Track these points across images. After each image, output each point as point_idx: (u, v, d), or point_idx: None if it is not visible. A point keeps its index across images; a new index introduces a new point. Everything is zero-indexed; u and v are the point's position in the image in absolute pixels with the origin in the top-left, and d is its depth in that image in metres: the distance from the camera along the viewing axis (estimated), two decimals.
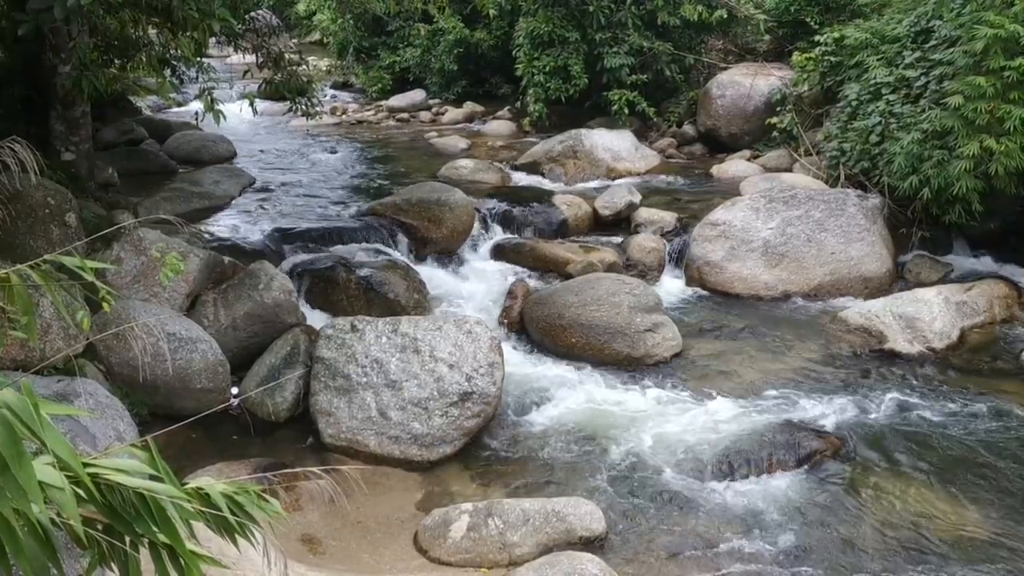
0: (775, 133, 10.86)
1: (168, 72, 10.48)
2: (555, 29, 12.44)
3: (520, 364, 6.34)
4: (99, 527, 1.68)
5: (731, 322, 7.04)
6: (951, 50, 7.71)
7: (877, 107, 8.49)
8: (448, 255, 8.05)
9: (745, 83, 11.46)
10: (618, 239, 8.39)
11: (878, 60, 8.96)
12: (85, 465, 1.60)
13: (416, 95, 15.60)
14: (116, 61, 9.10)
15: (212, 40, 7.42)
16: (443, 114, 14.92)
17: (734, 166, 10.67)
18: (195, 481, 1.79)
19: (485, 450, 5.30)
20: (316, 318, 6.52)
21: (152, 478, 1.70)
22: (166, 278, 2.94)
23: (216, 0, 5.91)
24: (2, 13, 7.26)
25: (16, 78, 7.69)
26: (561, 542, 4.28)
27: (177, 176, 9.94)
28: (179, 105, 14.29)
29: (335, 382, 5.39)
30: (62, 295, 4.90)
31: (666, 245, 8.18)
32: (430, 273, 7.62)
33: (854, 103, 8.99)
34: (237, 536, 1.80)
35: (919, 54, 8.43)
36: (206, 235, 7.68)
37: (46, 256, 1.98)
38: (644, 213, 8.82)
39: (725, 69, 12.32)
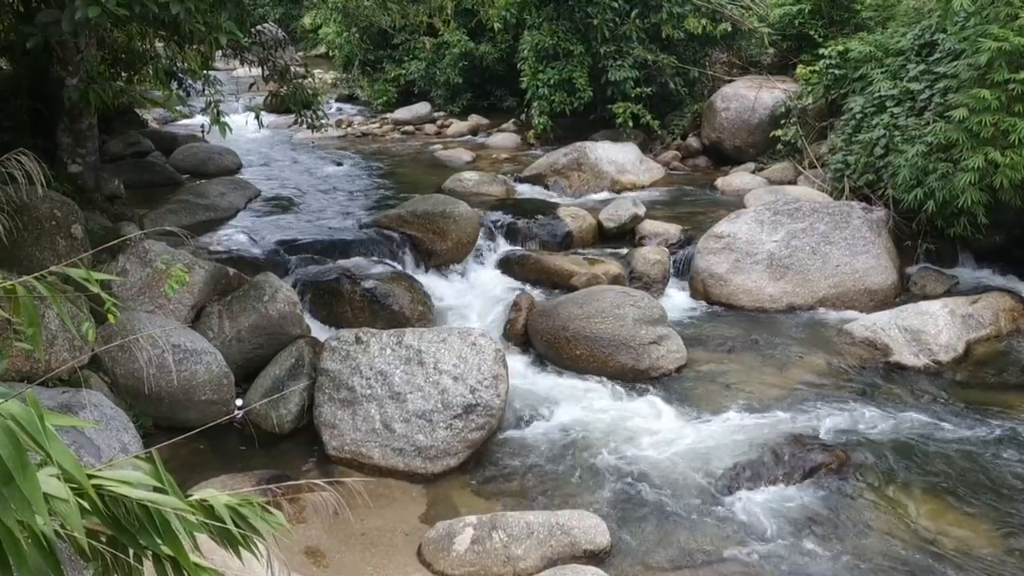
0: (779, 146, 10.87)
1: (175, 85, 10.56)
2: (559, 42, 12.49)
3: (524, 376, 6.33)
4: (103, 539, 1.68)
5: (736, 334, 7.02)
6: (955, 63, 7.72)
7: (881, 120, 8.50)
8: (453, 267, 8.06)
9: (749, 96, 11.49)
10: (623, 251, 8.39)
11: (882, 73, 8.98)
12: (89, 477, 1.60)
13: (421, 108, 15.67)
14: (123, 74, 9.18)
15: (218, 53, 7.47)
16: (448, 127, 14.97)
17: (738, 178, 10.68)
18: (199, 493, 1.79)
19: (489, 462, 5.29)
20: (321, 330, 6.53)
21: (156, 490, 1.70)
22: (171, 290, 2.95)
23: (223, 14, 5.95)
24: (11, 26, 7.32)
25: (24, 91, 7.76)
26: (565, 555, 4.26)
27: (183, 188, 9.98)
28: (185, 117, 14.38)
29: (339, 394, 5.39)
30: (67, 306, 4.92)
31: (670, 257, 8.17)
32: (434, 285, 7.62)
33: (858, 116, 9.00)
34: (241, 548, 1.80)
35: (923, 67, 8.44)
36: (211, 247, 7.70)
37: (52, 267, 1.99)
38: (648, 225, 8.83)
39: (729, 82, 12.35)
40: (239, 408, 5.59)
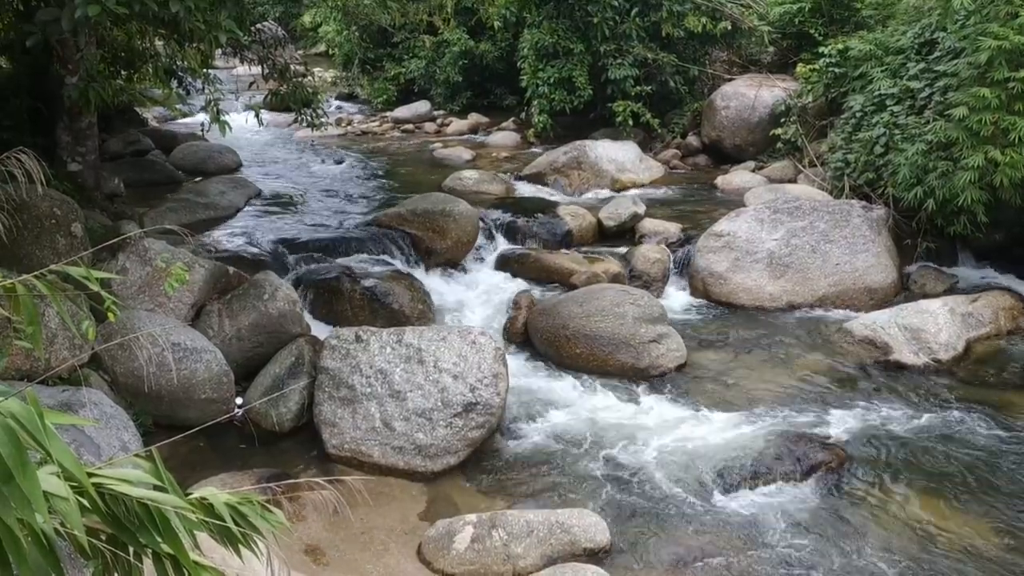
0: (779, 144, 10.86)
1: (174, 83, 10.56)
2: (559, 40, 12.48)
3: (524, 375, 6.33)
4: (103, 537, 1.68)
5: (735, 333, 7.02)
6: (955, 62, 7.72)
7: (881, 118, 8.50)
8: (452, 265, 8.05)
9: (749, 94, 11.48)
10: (622, 250, 8.38)
11: (882, 71, 8.97)
12: (89, 475, 1.60)
13: (421, 106, 15.66)
14: (123, 72, 9.18)
15: (218, 51, 7.46)
16: (448, 125, 14.96)
17: (738, 177, 10.68)
18: (199, 491, 1.79)
19: (489, 461, 5.29)
20: (320, 328, 6.53)
21: (156, 488, 1.70)
22: (171, 288, 2.95)
23: (222, 12, 5.94)
24: (10, 25, 7.32)
25: (24, 89, 7.75)
26: (565, 554, 4.27)
27: (183, 187, 9.97)
28: (185, 116, 14.36)
29: (339, 392, 5.39)
30: (67, 305, 4.92)
31: (670, 256, 8.17)
32: (434, 283, 7.62)
33: (858, 114, 9.00)
34: (241, 547, 1.80)
35: (923, 65, 8.44)
36: (211, 245, 7.70)
37: (52, 266, 1.99)
38: (648, 224, 8.82)
39: (729, 80, 12.34)
40: (239, 407, 5.59)
